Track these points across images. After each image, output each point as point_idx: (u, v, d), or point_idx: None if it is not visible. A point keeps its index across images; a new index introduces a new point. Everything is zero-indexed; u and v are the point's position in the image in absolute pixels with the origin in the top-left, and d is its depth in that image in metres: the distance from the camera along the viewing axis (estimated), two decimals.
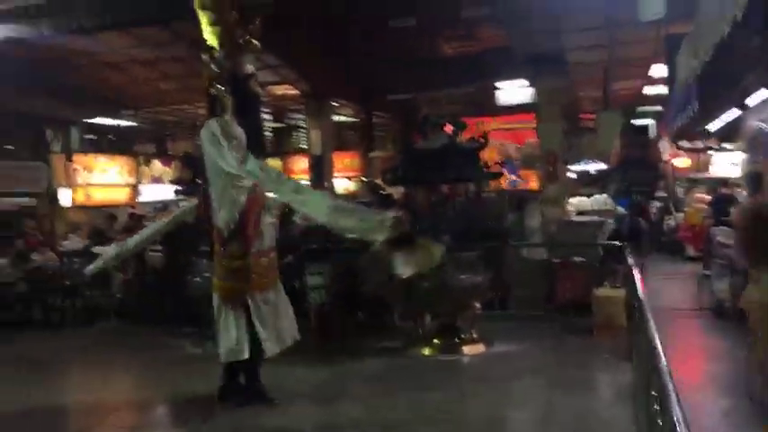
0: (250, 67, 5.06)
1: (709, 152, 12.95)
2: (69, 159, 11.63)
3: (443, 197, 7.70)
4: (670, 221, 14.87)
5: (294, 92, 11.26)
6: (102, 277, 9.47)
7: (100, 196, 11.79)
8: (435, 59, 12.08)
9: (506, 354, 6.51)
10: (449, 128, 6.63)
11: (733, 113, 8.18)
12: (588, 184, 15.61)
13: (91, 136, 14.17)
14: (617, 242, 8.69)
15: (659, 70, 10.42)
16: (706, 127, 10.14)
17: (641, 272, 9.93)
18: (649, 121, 14.81)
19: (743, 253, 5.06)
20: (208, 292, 7.46)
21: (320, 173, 11.08)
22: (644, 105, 14.35)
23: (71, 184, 11.61)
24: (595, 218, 9.57)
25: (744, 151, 9.26)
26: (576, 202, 12.36)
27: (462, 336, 6.65)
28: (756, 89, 5.91)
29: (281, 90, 11.16)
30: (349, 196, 15.50)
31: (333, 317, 7.32)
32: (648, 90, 12.47)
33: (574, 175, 14.39)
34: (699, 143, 12.51)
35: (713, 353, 6.59)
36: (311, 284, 7.38)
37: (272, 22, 5.13)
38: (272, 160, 14.78)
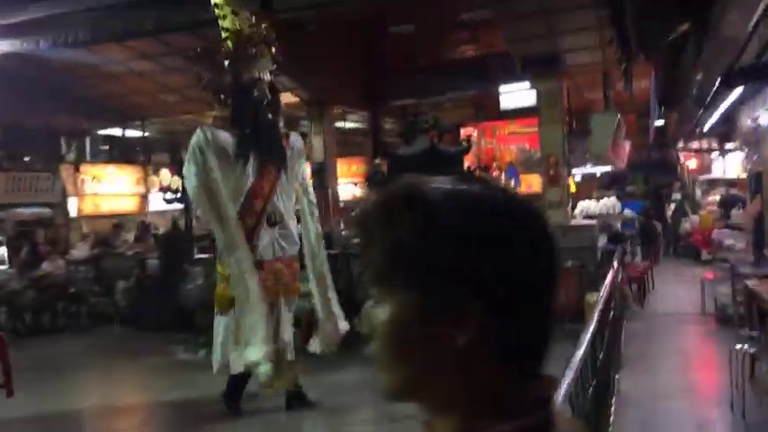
0: (258, 73, 4.85)
1: (712, 153, 12.65)
2: (77, 169, 11.89)
3: None
4: (686, 224, 14.56)
5: (295, 99, 11.30)
6: (105, 284, 9.72)
7: (108, 206, 12.01)
8: (438, 64, 12.03)
9: None
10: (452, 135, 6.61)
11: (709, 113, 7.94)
12: (607, 186, 15.42)
13: (105, 147, 14.44)
14: (619, 244, 8.58)
15: None
16: (700, 128, 9.91)
17: (646, 275, 9.83)
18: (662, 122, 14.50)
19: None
20: (200, 300, 7.65)
21: (322, 179, 11.09)
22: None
23: (79, 193, 11.86)
24: (592, 222, 9.41)
25: (740, 150, 9.04)
26: (584, 205, 12.20)
27: None
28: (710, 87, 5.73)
29: (283, 98, 11.18)
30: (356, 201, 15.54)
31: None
32: None
33: (578, 178, 14.19)
34: (702, 144, 12.22)
35: (704, 360, 6.41)
36: (301, 291, 7.37)
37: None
38: None
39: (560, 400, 2.03)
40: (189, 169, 4.51)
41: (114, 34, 8.18)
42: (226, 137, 4.91)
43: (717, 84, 4.95)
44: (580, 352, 2.52)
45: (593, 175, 12.99)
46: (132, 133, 13.29)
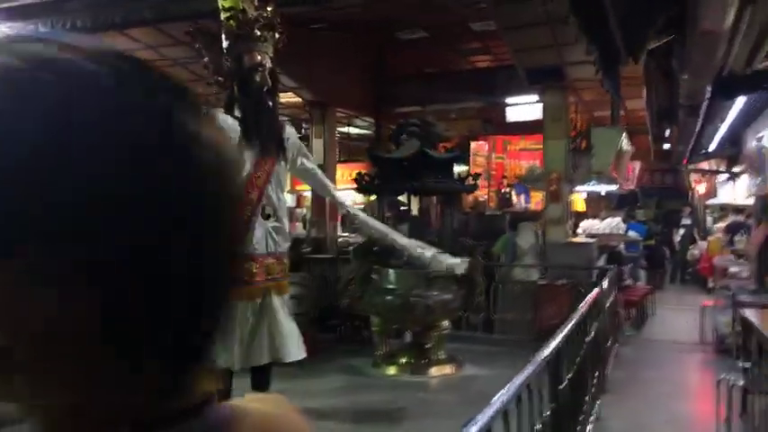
0: (260, 57, 4.59)
1: (719, 176, 12.27)
2: None
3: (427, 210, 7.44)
4: (694, 251, 14.17)
5: (296, 99, 11.15)
6: None
7: None
8: (446, 73, 11.85)
9: (473, 378, 6.15)
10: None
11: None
12: (616, 207, 15.07)
13: None
14: (617, 265, 8.28)
15: None
16: (704, 146, 9.58)
17: (646, 299, 9.49)
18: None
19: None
20: None
21: None
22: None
23: None
24: (591, 240, 9.11)
25: (747, 174, 8.71)
26: (587, 224, 11.89)
27: (431, 356, 6.33)
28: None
29: (284, 97, 11.07)
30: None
31: (304, 329, 7.09)
32: None
33: (583, 195, 13.85)
34: (712, 165, 11.85)
35: (696, 390, 6.07)
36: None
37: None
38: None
39: (487, 419, 1.80)
40: None
41: (113, 22, 8.06)
42: (231, 122, 4.56)
43: (708, 92, 4.70)
44: (527, 371, 2.28)
45: (598, 193, 12.66)
46: None
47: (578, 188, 10.31)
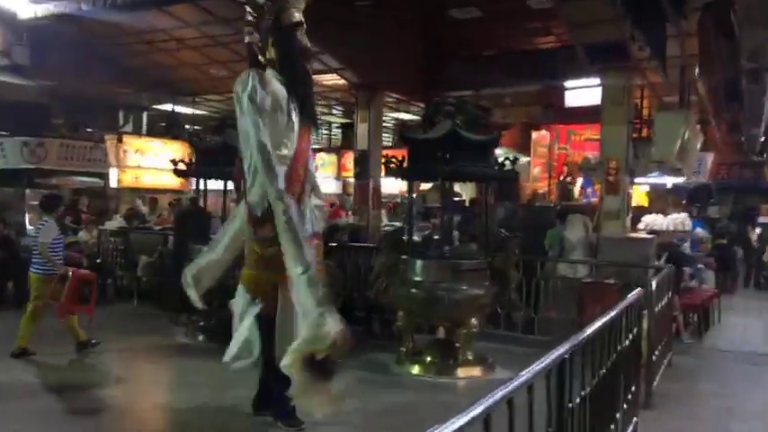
0: (298, 16, 4.03)
1: None
2: (120, 140, 11.89)
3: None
4: None
5: (341, 81, 10.76)
6: (130, 258, 9.53)
7: (150, 179, 11.93)
8: (500, 54, 11.14)
9: (502, 382, 5.59)
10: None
11: None
12: (688, 203, 13.96)
13: (162, 123, 14.49)
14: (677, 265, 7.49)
15: None
16: None
17: (711, 304, 8.60)
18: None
19: None
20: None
21: (364, 169, 10.49)
22: None
23: (120, 164, 11.86)
24: (649, 236, 8.31)
25: None
26: (649, 219, 10.99)
27: (458, 356, 5.83)
28: None
29: (329, 80, 10.72)
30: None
31: None
32: None
33: (646, 188, 12.83)
34: None
35: (756, 411, 5.29)
36: None
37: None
38: (326, 155, 14.50)
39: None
40: (247, 110, 3.77)
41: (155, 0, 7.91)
42: (279, 86, 4.05)
43: None
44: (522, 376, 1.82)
45: (664, 186, 11.66)
46: (183, 110, 13.19)
47: (640, 179, 9.46)
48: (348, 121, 15.53)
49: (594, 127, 13.30)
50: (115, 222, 10.55)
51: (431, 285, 5.69)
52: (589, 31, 7.95)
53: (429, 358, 5.94)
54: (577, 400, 2.62)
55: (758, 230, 13.91)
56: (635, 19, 4.25)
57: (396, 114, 13.17)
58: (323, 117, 14.91)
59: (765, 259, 13.12)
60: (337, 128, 16.43)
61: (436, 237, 7.67)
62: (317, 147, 14.22)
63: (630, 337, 4.11)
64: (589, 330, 2.86)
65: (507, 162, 5.80)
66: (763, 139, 14.87)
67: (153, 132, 13.60)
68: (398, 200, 17.24)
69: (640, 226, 10.52)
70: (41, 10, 8.82)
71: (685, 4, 3.95)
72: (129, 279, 9.41)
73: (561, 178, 17.07)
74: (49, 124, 12.51)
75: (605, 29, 7.75)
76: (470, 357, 5.84)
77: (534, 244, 8.29)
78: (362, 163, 10.48)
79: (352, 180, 13.61)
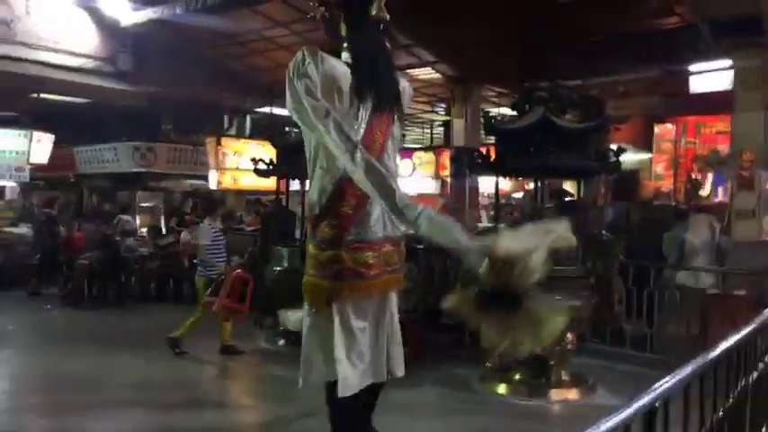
0: None
1: None
2: (219, 143, 12.11)
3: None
4: None
5: (435, 75, 10.22)
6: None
7: (248, 181, 12.05)
8: (610, 37, 10.07)
9: (602, 408, 4.81)
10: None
11: None
12: None
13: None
14: None
15: None
16: None
17: None
18: None
19: None
20: (280, 284, 6.98)
21: (460, 167, 9.88)
22: None
23: (219, 167, 12.08)
24: None
25: None
26: None
27: (551, 375, 5.11)
28: None
29: (424, 74, 10.23)
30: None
31: (412, 328, 6.24)
32: None
33: None
34: None
35: None
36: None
37: None
38: (424, 154, 13.97)
39: None
40: (297, 91, 3.21)
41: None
42: (340, 66, 3.40)
43: None
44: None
45: None
46: (282, 112, 13.21)
47: None
48: (449, 118, 14.97)
49: (728, 118, 11.75)
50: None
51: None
52: (714, 3, 6.86)
53: (518, 376, 5.27)
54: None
55: None
56: None
57: (498, 109, 12.42)
58: (423, 115, 14.41)
59: None
60: (439, 125, 15.89)
61: None
62: (414, 146, 13.78)
63: (762, 365, 3.28)
64: (717, 351, 2.17)
65: (611, 154, 4.99)
66: None
67: (256, 135, 13.80)
68: (504, 200, 16.39)
69: None
70: (141, 16, 9.07)
71: None
72: None
73: (688, 175, 15.46)
74: (160, 129, 13.01)
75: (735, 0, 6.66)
76: (566, 378, 5.10)
77: (648, 248, 7.30)
78: (458, 160, 9.87)
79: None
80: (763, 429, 3.33)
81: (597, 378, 5.42)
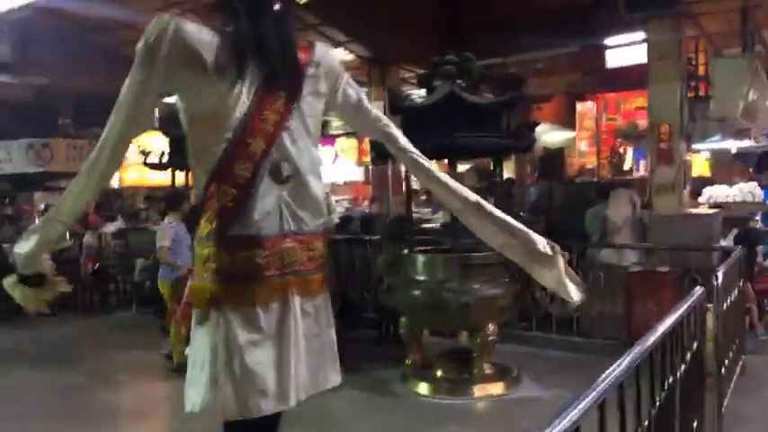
0: None
1: None
2: None
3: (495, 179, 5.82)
4: None
5: (350, 57, 9.73)
6: (127, 261, 8.84)
7: (156, 177, 11.24)
8: (526, 13, 9.86)
9: (530, 402, 4.52)
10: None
11: None
12: (757, 171, 12.30)
13: None
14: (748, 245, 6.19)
15: None
16: None
17: None
18: None
19: None
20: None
21: (381, 152, 9.44)
22: None
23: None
24: (713, 211, 6.99)
25: None
26: (712, 191, 9.56)
27: (473, 370, 4.77)
28: None
29: (337, 55, 9.72)
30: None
31: None
32: None
33: (706, 155, 11.24)
34: None
35: None
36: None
37: None
38: (346, 140, 13.49)
39: None
40: (131, 76, 2.59)
41: None
42: (204, 35, 2.65)
43: None
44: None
45: (727, 151, 10.09)
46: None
47: (699, 145, 8.09)
48: None
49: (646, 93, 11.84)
50: (117, 224, 9.90)
51: (435, 286, 4.64)
52: None
53: (439, 373, 4.91)
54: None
55: None
56: None
57: (419, 91, 12.07)
58: None
59: None
60: None
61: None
62: (338, 132, 13.24)
63: (695, 346, 3.03)
64: (648, 342, 1.90)
65: (525, 130, 4.66)
66: None
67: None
68: None
69: (701, 200, 9.12)
70: (20, 2, 8.14)
71: None
72: (130, 284, 8.75)
73: (612, 150, 15.65)
74: (57, 124, 11.97)
75: None
76: (489, 371, 4.77)
77: (572, 227, 7.12)
78: (376, 145, 9.41)
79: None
80: (695, 423, 3.08)
81: (524, 367, 5.14)
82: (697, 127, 7.82)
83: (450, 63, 4.81)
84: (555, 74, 11.97)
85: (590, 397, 1.53)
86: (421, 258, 4.80)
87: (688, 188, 7.82)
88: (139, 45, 2.68)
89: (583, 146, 17.74)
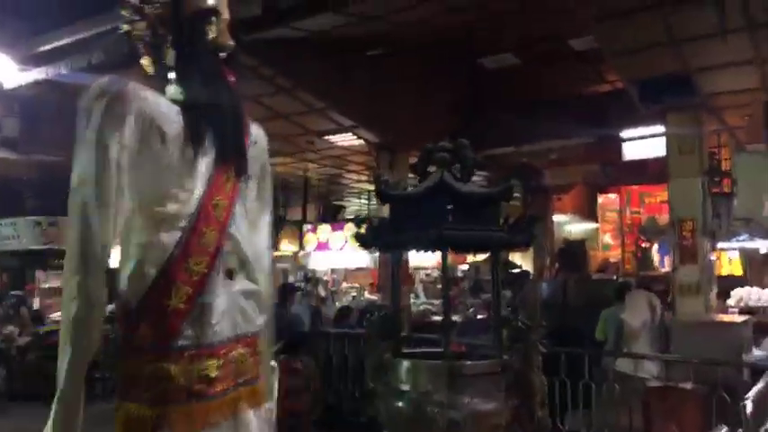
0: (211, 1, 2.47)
1: None
2: None
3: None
4: None
5: (358, 142, 9.54)
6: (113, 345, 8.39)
7: None
8: (541, 103, 9.64)
9: None
10: None
11: None
12: None
13: None
14: None
15: None
16: None
17: None
18: None
19: None
20: None
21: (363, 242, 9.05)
22: None
23: None
24: (743, 318, 6.32)
25: None
26: (742, 293, 8.86)
27: None
28: None
29: (344, 140, 9.56)
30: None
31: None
32: None
33: (734, 254, 10.56)
34: None
35: None
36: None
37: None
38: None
39: None
40: (82, 145, 2.16)
41: (125, 57, 7.06)
42: (161, 103, 2.32)
43: None
44: None
45: (756, 250, 9.44)
46: None
47: (724, 244, 7.54)
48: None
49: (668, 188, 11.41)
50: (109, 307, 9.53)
51: (419, 397, 4.03)
52: (639, 62, 6.39)
53: None
54: None
55: None
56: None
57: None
58: (356, 185, 13.66)
59: None
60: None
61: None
62: (350, 218, 12.97)
63: None
64: None
65: (524, 224, 4.19)
66: None
67: None
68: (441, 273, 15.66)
69: (731, 302, 8.43)
70: (28, 77, 8.23)
71: None
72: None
73: (637, 245, 15.08)
74: (64, 202, 11.87)
75: (661, 57, 6.18)
76: None
77: (588, 330, 6.49)
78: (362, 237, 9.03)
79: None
80: None
81: None
82: (722, 224, 7.30)
83: (444, 150, 4.43)
84: (571, 164, 11.65)
85: None
86: (404, 364, 4.23)
87: (715, 290, 7.22)
88: (94, 105, 2.23)
89: (607, 238, 17.21)
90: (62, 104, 9.18)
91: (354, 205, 16.79)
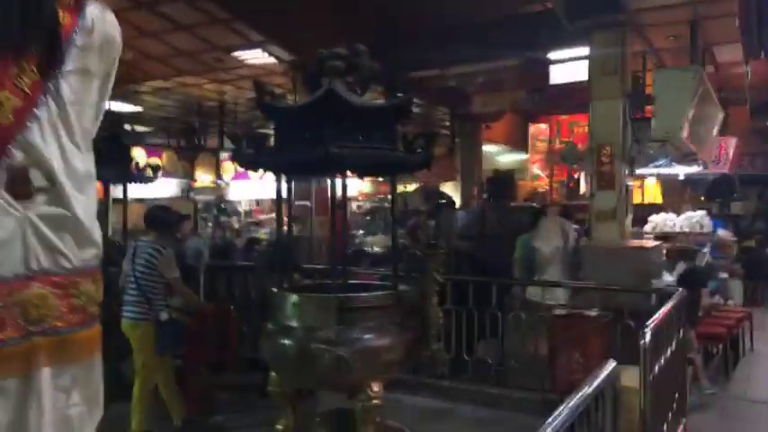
0: None
1: None
2: None
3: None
4: None
5: (271, 60, 8.82)
6: None
7: None
8: (466, 24, 9.12)
9: None
10: None
11: None
12: (707, 198, 11.76)
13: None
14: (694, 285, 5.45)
15: None
16: None
17: (739, 328, 6.59)
18: None
19: None
20: None
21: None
22: None
23: None
24: (654, 243, 6.25)
25: None
26: (658, 219, 8.91)
27: None
28: None
29: (257, 59, 8.82)
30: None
31: (189, 370, 4.79)
32: None
33: (653, 180, 10.64)
34: None
35: None
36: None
37: None
38: None
39: None
40: None
41: None
42: None
43: None
44: None
45: (675, 177, 9.46)
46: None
47: (643, 171, 7.40)
48: None
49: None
50: None
51: (304, 334, 3.68)
52: None
53: None
54: None
55: None
56: None
57: None
58: None
59: None
60: None
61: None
62: None
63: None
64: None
65: (419, 143, 3.77)
66: None
67: None
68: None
69: (647, 228, 8.45)
70: None
71: None
72: None
73: (569, 174, 15.12)
74: None
75: None
76: None
77: (502, 259, 6.29)
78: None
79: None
80: None
81: (425, 429, 4.24)
82: (641, 150, 7.12)
83: (339, 57, 3.89)
84: (499, 89, 11.27)
85: None
86: (291, 298, 3.85)
87: (630, 216, 7.11)
88: None
89: (535, 169, 17.22)
90: None
91: None
